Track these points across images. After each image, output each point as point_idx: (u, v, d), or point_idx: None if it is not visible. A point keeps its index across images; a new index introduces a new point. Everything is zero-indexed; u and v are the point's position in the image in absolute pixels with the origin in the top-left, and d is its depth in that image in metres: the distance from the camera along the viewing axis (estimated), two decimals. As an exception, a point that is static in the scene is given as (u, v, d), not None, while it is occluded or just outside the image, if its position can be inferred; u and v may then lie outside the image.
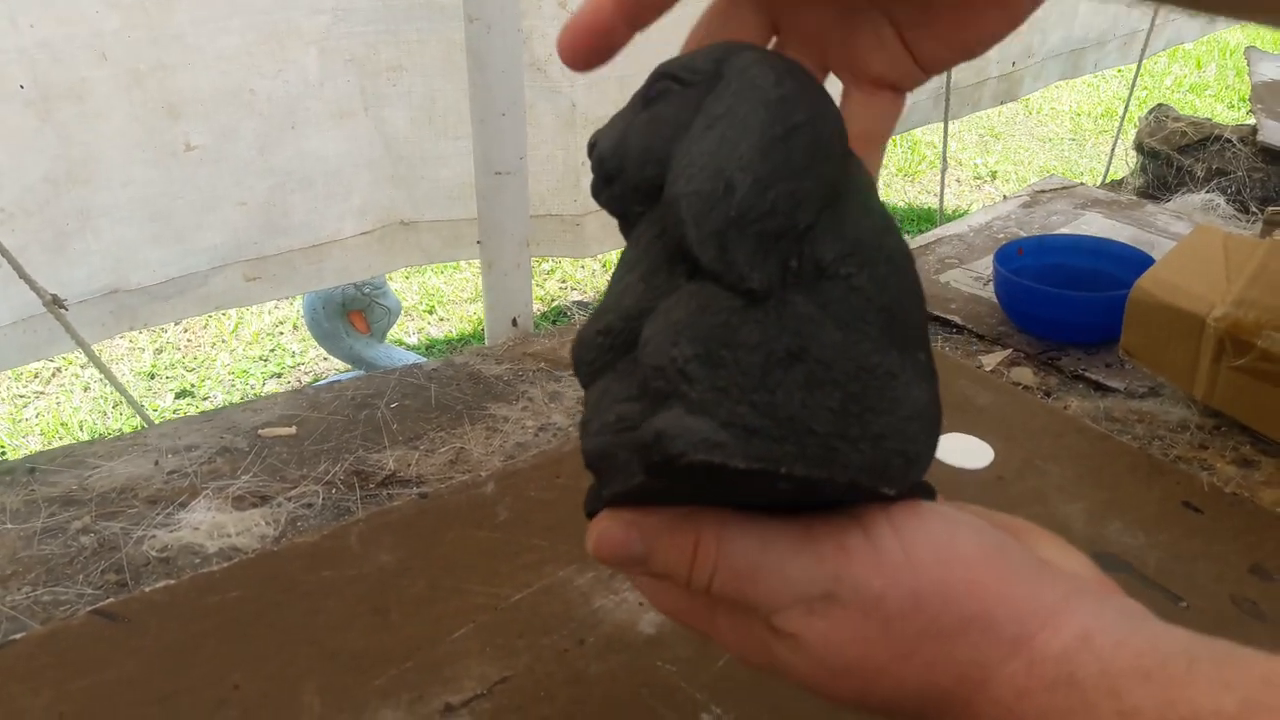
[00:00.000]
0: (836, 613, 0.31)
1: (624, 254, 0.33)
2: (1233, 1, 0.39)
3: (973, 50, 0.37)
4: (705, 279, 0.28)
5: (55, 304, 0.91)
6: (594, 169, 0.33)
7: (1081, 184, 1.36)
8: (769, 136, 0.29)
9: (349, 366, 2.06)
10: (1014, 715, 0.30)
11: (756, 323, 0.28)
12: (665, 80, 0.32)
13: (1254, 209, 1.31)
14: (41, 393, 2.33)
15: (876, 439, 0.29)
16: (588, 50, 0.34)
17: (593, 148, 0.33)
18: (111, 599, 0.62)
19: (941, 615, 0.31)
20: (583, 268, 2.80)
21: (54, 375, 2.38)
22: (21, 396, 2.31)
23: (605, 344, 0.31)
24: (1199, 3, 0.38)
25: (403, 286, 2.74)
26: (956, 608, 0.31)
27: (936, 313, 0.99)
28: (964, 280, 1.07)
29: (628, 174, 0.32)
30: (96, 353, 1.01)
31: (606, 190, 0.33)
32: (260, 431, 0.79)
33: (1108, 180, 2.29)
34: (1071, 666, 0.29)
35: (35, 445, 2.13)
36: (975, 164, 3.69)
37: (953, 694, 0.31)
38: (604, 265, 2.80)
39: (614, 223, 0.36)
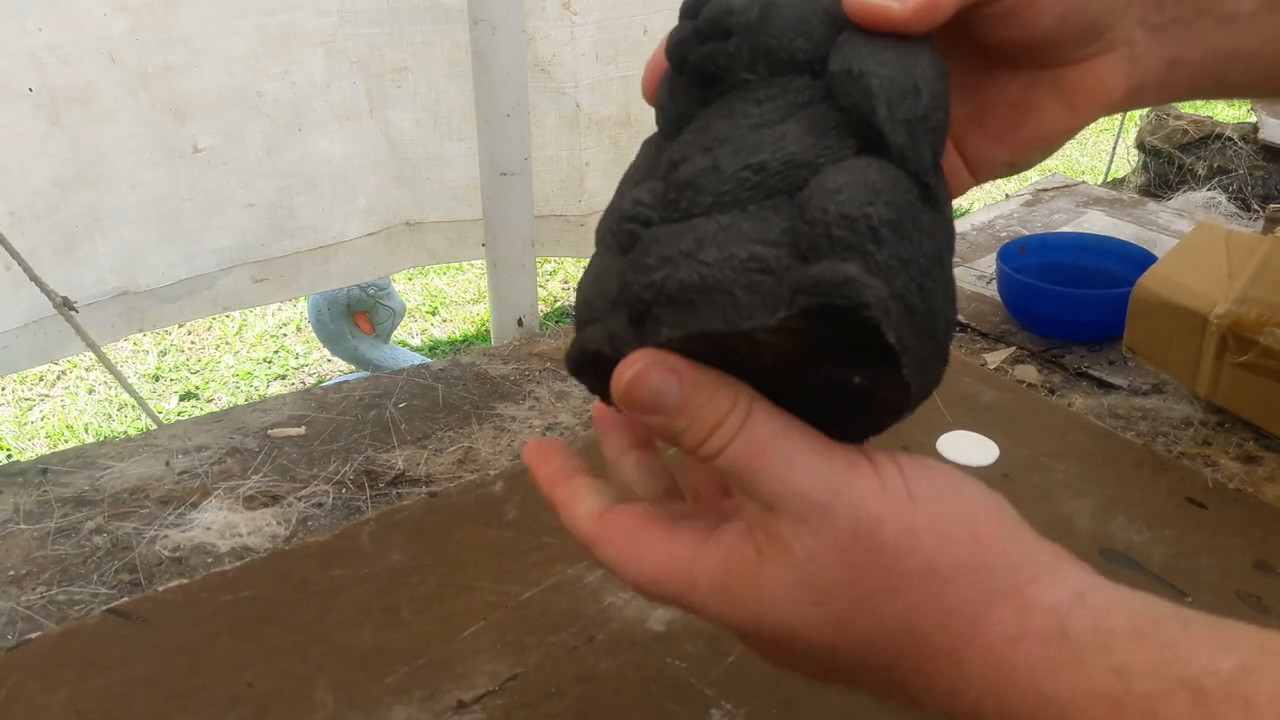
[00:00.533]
0: (828, 529, 0.30)
1: (736, 107, 0.31)
2: None
3: (1025, 150, 0.37)
4: (885, 159, 0.28)
5: (66, 306, 0.92)
6: (709, 17, 0.31)
7: (1083, 182, 1.37)
8: (938, 69, 0.30)
9: (353, 367, 2.07)
10: (1004, 661, 0.29)
11: (929, 215, 0.29)
12: None
13: (1255, 206, 1.32)
14: (47, 395, 2.34)
15: (940, 369, 0.31)
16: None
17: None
18: (125, 598, 0.62)
19: (937, 555, 0.30)
20: (584, 268, 2.80)
21: (59, 378, 2.39)
22: (27, 399, 2.32)
23: (751, 180, 0.29)
24: None
25: (405, 288, 2.75)
26: (953, 550, 0.30)
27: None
28: (967, 278, 1.07)
29: (770, 37, 0.30)
30: (106, 354, 1.01)
31: (715, 43, 0.31)
32: (270, 432, 0.80)
33: (1109, 178, 2.29)
34: (1064, 621, 0.29)
35: (41, 448, 2.14)
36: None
37: (934, 642, 0.30)
38: (606, 265, 2.80)
39: None
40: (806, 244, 0.27)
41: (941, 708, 0.31)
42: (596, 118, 1.28)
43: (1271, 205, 1.01)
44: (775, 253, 0.27)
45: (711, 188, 0.29)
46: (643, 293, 0.29)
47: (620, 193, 0.34)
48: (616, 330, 0.30)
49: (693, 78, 0.32)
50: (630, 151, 0.36)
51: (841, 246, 0.27)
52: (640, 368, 0.30)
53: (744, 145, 0.29)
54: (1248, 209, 1.32)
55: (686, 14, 0.32)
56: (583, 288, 0.33)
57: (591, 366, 0.31)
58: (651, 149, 0.34)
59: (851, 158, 0.28)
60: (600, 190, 1.32)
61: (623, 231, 0.31)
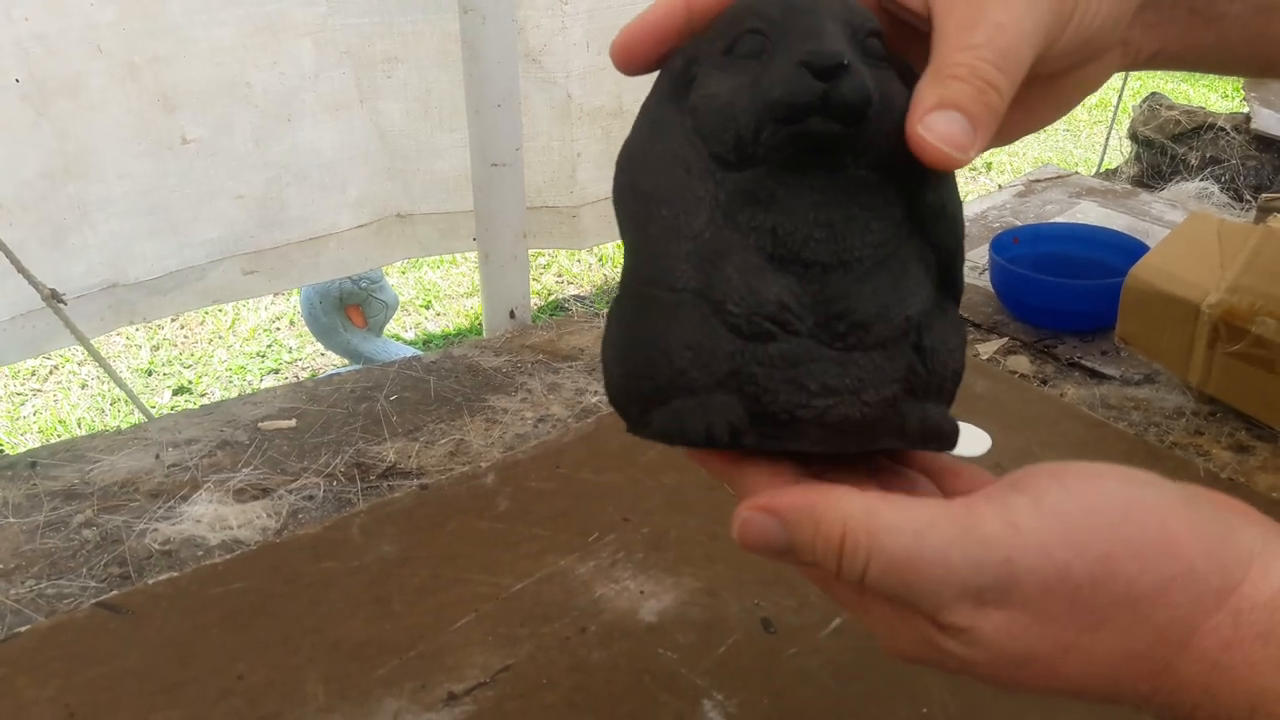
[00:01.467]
0: (1014, 598, 0.28)
1: (856, 214, 0.32)
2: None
3: (1007, 138, 0.37)
4: (950, 303, 0.35)
5: (54, 298, 0.91)
6: (853, 104, 0.30)
7: (1076, 173, 1.37)
8: None
9: (346, 361, 2.06)
10: (1219, 669, 0.28)
11: None
12: (876, 38, 0.33)
13: (1248, 196, 1.32)
14: (39, 390, 2.33)
15: None
16: (649, 54, 0.34)
17: (843, 66, 0.30)
18: (115, 591, 0.62)
19: (1138, 578, 0.28)
20: (579, 261, 2.80)
21: (51, 373, 2.38)
22: (19, 394, 2.31)
23: (904, 328, 0.33)
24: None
25: (399, 282, 2.74)
26: (1155, 569, 0.28)
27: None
28: (960, 269, 1.07)
29: (886, 139, 0.32)
30: (95, 347, 1.01)
31: (841, 125, 0.31)
32: (260, 425, 0.79)
33: (1102, 169, 2.29)
34: None
35: (34, 443, 2.13)
36: (970, 154, 3.68)
37: (1148, 656, 0.29)
38: (599, 259, 2.80)
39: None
40: (920, 385, 0.33)
41: (1160, 712, 0.30)
42: (588, 108, 1.27)
43: (1263, 195, 1.01)
44: (899, 389, 0.33)
45: (878, 333, 0.33)
46: (797, 410, 0.32)
47: (670, 201, 0.33)
48: (738, 424, 0.32)
49: (794, 137, 0.31)
50: (621, 143, 0.35)
51: (944, 395, 0.34)
52: (740, 523, 0.31)
53: (898, 289, 0.33)
54: (1240, 199, 1.31)
55: (817, 73, 0.30)
56: (660, 338, 0.32)
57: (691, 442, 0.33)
58: (683, 131, 0.33)
59: (952, 309, 0.35)
60: (592, 181, 1.32)
61: (753, 323, 0.32)
